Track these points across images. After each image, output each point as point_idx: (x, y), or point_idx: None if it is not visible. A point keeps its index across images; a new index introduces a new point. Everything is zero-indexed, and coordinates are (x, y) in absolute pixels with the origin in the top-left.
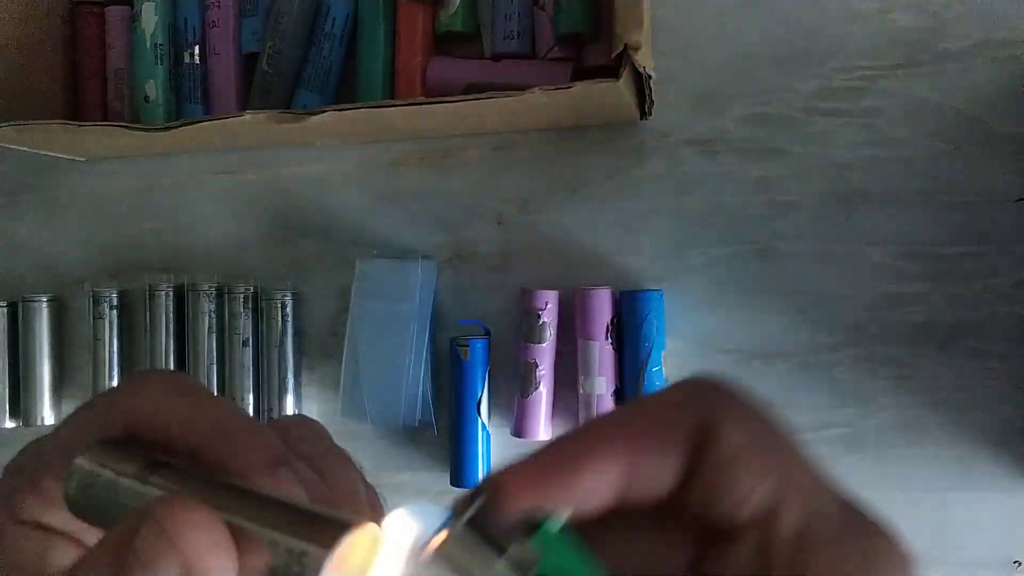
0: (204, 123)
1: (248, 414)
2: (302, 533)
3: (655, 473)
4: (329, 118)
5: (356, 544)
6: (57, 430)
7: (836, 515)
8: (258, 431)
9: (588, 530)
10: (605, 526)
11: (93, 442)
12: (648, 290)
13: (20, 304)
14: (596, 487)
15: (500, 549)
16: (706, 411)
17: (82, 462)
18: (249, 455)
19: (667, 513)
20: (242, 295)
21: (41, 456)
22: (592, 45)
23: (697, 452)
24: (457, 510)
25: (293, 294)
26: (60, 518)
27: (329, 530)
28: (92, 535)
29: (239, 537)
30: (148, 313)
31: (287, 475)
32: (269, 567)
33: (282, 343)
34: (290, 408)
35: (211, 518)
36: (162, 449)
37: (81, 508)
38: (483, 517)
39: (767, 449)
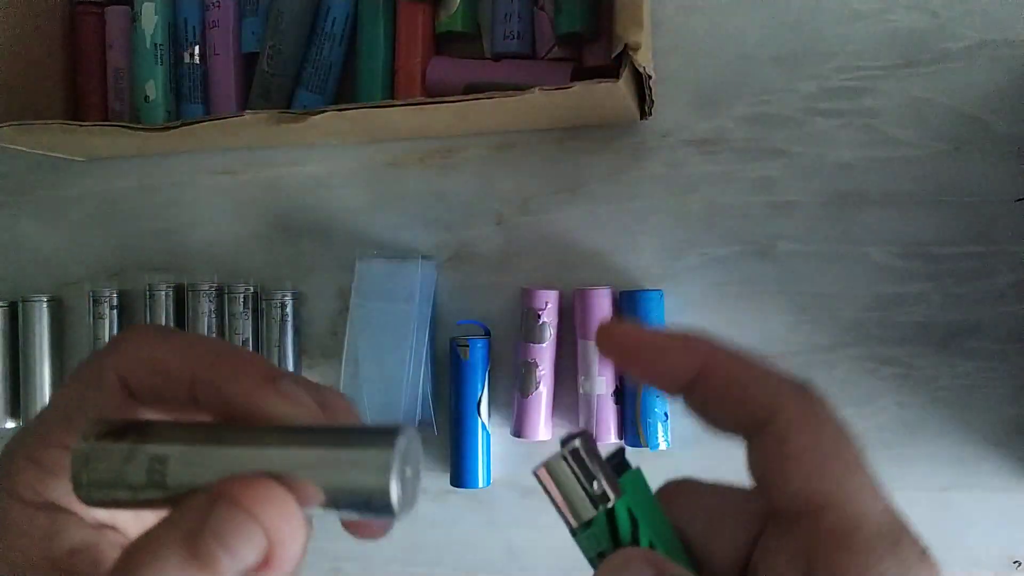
0: (204, 123)
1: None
2: (353, 448)
3: (719, 393)
4: (329, 118)
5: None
6: (52, 402)
7: (881, 524)
8: (251, 353)
9: (663, 492)
10: (678, 490)
11: (90, 418)
12: (648, 290)
13: (20, 304)
14: (673, 371)
15: (594, 478)
16: (783, 397)
17: (83, 443)
18: (248, 372)
19: (735, 489)
20: (242, 295)
21: (39, 431)
22: (592, 45)
23: (759, 427)
24: (564, 442)
25: (293, 294)
26: (65, 491)
27: (379, 442)
28: (99, 510)
29: (288, 485)
30: (148, 313)
31: (289, 386)
32: (321, 502)
33: (282, 343)
34: None
35: (285, 492)
36: (156, 396)
37: (90, 489)
38: (586, 450)
39: (826, 452)
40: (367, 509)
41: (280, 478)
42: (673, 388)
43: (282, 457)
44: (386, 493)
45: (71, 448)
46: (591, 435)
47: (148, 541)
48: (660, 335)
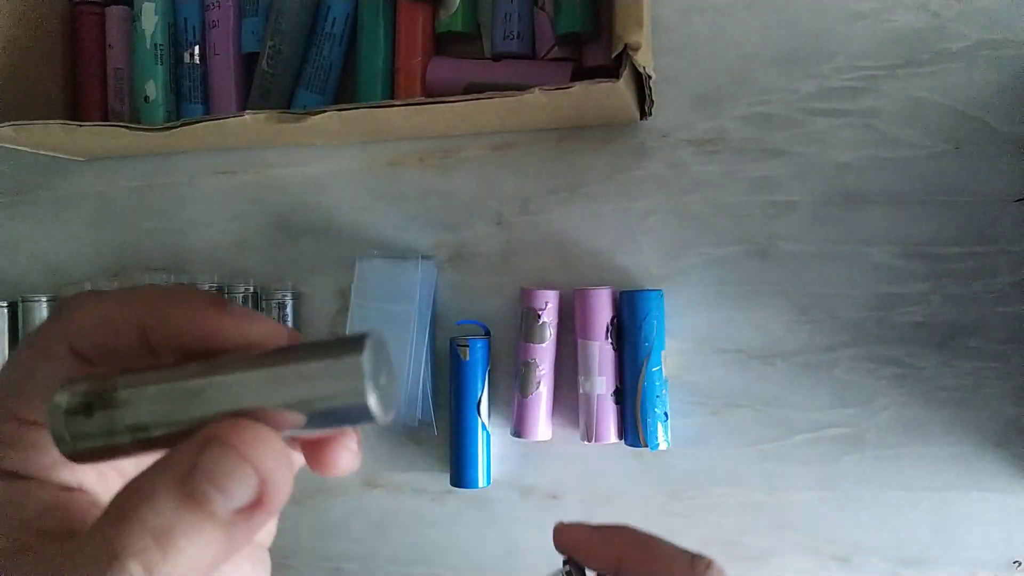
0: (204, 123)
1: None
2: (322, 360)
3: None
4: (329, 118)
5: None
6: (2, 376)
7: None
8: (190, 287)
9: None
10: None
11: (56, 391)
12: (648, 290)
13: (20, 304)
14: (604, 563)
15: None
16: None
17: (62, 397)
18: (194, 303)
19: None
20: (242, 295)
21: None
22: (592, 45)
23: None
24: (565, 561)
25: (293, 294)
26: (23, 461)
27: (347, 349)
28: (64, 472)
29: (265, 419)
30: None
31: (239, 308)
32: (302, 422)
33: None
34: None
35: (271, 431)
36: (109, 354)
37: (76, 456)
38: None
39: None
40: (348, 419)
41: (259, 408)
42: (609, 573)
43: (256, 381)
44: (362, 396)
45: (49, 425)
46: (581, 565)
47: (141, 486)
48: (593, 534)
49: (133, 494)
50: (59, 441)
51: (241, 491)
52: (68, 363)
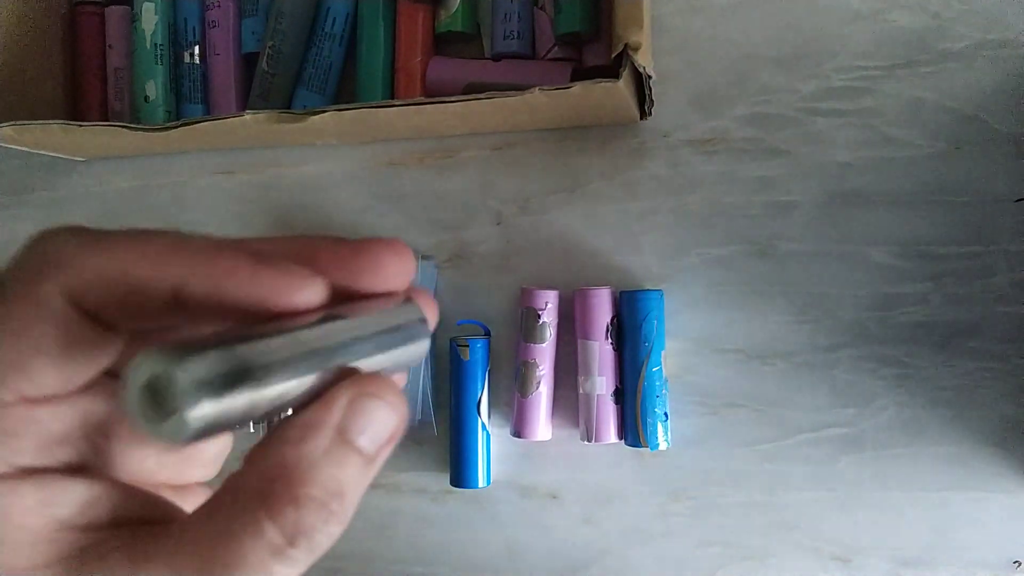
0: (204, 123)
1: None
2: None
3: None
4: (329, 118)
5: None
6: None
7: None
8: (215, 240)
9: None
10: None
11: (57, 346)
12: (648, 290)
13: None
14: None
15: None
16: None
17: (192, 367)
18: (238, 258)
19: None
20: None
21: None
22: (592, 45)
23: None
24: None
25: None
26: (32, 452)
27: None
28: (68, 449)
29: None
30: None
31: (276, 263)
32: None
33: None
34: None
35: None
36: (128, 315)
37: (197, 435)
38: None
39: None
40: (414, 360)
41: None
42: None
43: (364, 339)
44: (427, 327)
45: (162, 440)
46: None
47: (295, 459)
48: None
49: (289, 470)
50: (185, 427)
51: (385, 434)
52: (74, 323)
